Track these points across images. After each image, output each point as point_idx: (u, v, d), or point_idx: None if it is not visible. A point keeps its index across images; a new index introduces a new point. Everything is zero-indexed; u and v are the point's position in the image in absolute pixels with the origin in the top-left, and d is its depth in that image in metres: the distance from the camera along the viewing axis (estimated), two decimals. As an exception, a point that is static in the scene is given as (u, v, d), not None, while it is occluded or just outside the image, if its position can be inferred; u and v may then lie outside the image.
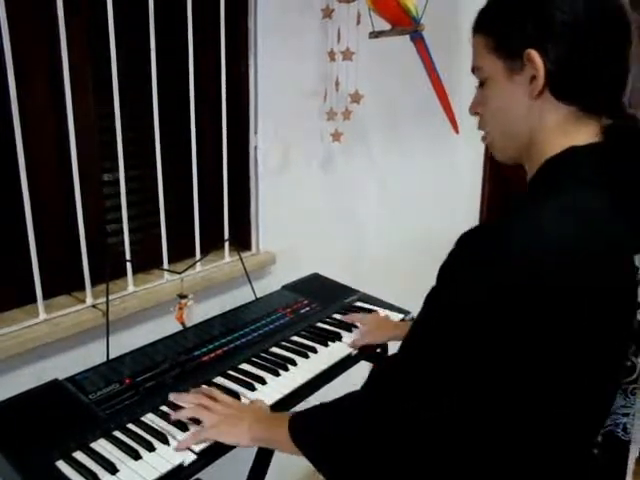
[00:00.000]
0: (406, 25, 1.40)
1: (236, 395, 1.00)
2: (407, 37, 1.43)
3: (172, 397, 0.96)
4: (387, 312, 1.36)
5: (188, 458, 0.83)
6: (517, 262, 0.60)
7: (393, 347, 1.05)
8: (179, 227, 1.43)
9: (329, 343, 1.20)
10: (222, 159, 1.48)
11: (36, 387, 0.98)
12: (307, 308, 1.37)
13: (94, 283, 1.23)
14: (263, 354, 1.15)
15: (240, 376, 1.06)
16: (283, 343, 1.20)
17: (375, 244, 2.12)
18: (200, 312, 1.39)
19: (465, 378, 0.64)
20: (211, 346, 1.16)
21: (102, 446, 0.86)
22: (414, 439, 0.67)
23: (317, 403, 0.85)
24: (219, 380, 1.05)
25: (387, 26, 1.44)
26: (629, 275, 0.66)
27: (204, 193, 1.45)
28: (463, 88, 1.42)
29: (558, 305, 0.60)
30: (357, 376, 0.89)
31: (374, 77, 1.74)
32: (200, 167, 1.42)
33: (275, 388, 1.03)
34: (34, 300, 1.13)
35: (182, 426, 0.90)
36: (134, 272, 1.31)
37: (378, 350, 1.23)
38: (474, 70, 0.77)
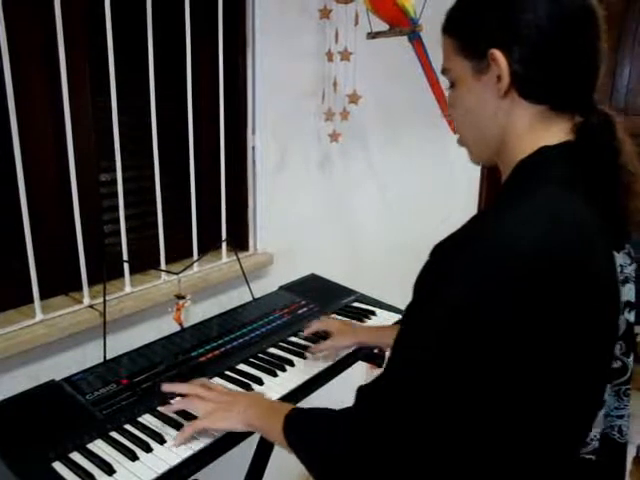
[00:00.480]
0: (404, 26, 1.40)
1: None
2: (405, 38, 1.43)
3: (165, 387, 0.95)
4: (384, 313, 1.36)
5: (185, 457, 0.83)
6: (492, 269, 0.59)
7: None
8: (176, 227, 1.44)
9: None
10: (220, 159, 1.48)
11: (33, 388, 0.98)
12: (304, 309, 1.37)
13: (91, 283, 1.22)
14: (260, 355, 1.15)
15: (237, 376, 1.06)
16: (280, 344, 1.20)
17: (372, 244, 2.12)
18: (198, 312, 1.40)
19: (455, 394, 0.62)
20: (208, 347, 1.16)
21: (99, 447, 0.85)
22: (405, 457, 0.65)
23: (317, 404, 0.84)
24: (217, 381, 1.05)
25: (385, 27, 1.44)
26: (609, 274, 0.66)
27: (201, 193, 1.46)
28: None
29: (536, 309, 0.59)
30: (355, 376, 0.89)
31: (372, 78, 1.74)
32: (198, 167, 1.42)
33: (272, 388, 1.03)
34: (31, 301, 1.13)
35: (179, 426, 0.89)
36: (131, 273, 1.30)
37: (375, 351, 1.23)
38: (444, 71, 0.76)
